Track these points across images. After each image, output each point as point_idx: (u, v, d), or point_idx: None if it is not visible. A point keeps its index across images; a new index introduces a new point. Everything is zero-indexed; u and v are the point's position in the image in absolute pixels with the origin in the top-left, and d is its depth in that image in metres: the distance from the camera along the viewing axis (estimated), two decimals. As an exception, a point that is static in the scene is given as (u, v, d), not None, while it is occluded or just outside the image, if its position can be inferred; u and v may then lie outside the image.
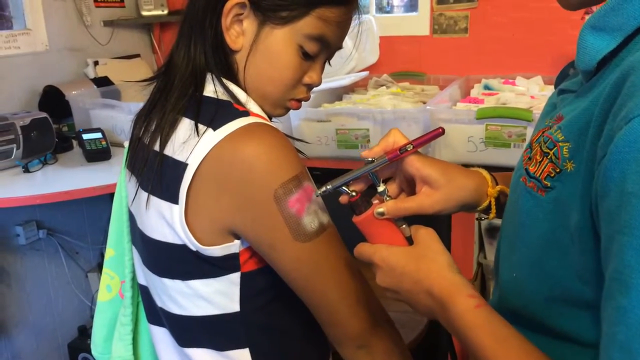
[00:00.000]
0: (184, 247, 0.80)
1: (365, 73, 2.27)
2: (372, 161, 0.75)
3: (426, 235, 0.71)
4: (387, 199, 0.75)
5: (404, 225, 0.74)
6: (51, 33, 2.34)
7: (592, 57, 0.59)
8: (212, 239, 0.79)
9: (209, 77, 0.83)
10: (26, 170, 1.86)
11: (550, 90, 2.02)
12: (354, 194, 0.74)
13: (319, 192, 0.74)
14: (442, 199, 0.75)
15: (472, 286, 0.67)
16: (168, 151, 0.79)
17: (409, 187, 0.79)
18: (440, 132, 0.75)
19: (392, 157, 0.74)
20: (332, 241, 0.81)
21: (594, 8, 0.62)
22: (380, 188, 0.76)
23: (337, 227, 0.84)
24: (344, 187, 0.75)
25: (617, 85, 0.53)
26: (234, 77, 0.84)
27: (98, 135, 2.00)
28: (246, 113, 0.79)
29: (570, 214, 0.58)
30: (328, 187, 0.74)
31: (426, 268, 0.68)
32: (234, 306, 0.84)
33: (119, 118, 2.08)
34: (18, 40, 2.22)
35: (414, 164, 0.75)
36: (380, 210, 0.73)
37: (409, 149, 0.74)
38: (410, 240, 0.73)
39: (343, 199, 0.75)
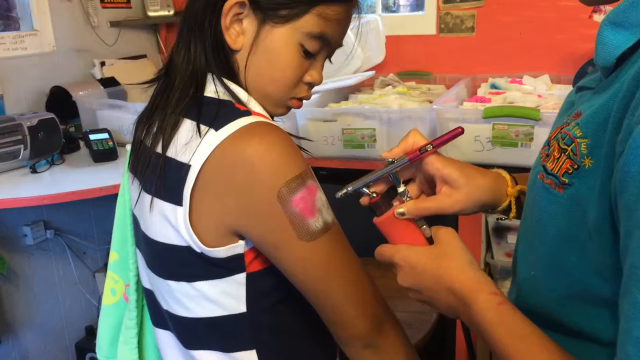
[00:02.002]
0: (188, 249, 0.79)
1: (372, 72, 2.26)
2: (393, 162, 0.75)
3: (447, 234, 0.72)
4: (408, 199, 0.76)
5: (424, 226, 0.75)
6: (58, 34, 2.35)
7: (611, 53, 0.59)
8: (216, 240, 0.78)
9: (209, 77, 0.83)
10: (33, 170, 1.87)
11: (557, 89, 2.01)
12: (374, 195, 0.75)
13: (340, 193, 0.75)
14: (462, 199, 0.76)
15: (494, 284, 0.67)
16: (170, 153, 0.79)
17: (429, 188, 0.80)
18: (459, 132, 0.76)
19: (412, 157, 0.75)
20: (337, 240, 0.81)
21: (603, 8, 0.61)
22: (401, 189, 0.76)
23: (355, 228, 0.83)
24: (364, 189, 0.75)
25: (636, 80, 0.53)
26: (234, 77, 0.84)
27: (105, 135, 2.01)
28: (248, 112, 0.78)
29: (588, 211, 0.58)
30: (349, 188, 0.75)
31: (447, 266, 0.69)
32: (240, 307, 0.83)
33: (125, 118, 2.08)
34: (25, 42, 2.23)
35: (434, 164, 0.75)
36: (401, 210, 0.74)
37: (428, 149, 0.75)
38: (430, 241, 0.74)
39: (364, 200, 0.76)
